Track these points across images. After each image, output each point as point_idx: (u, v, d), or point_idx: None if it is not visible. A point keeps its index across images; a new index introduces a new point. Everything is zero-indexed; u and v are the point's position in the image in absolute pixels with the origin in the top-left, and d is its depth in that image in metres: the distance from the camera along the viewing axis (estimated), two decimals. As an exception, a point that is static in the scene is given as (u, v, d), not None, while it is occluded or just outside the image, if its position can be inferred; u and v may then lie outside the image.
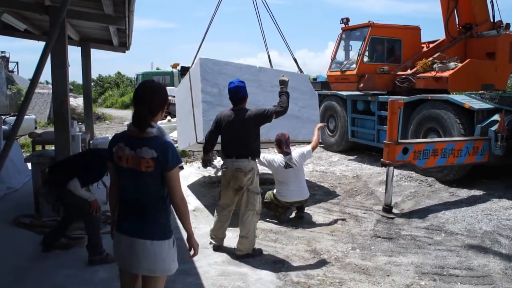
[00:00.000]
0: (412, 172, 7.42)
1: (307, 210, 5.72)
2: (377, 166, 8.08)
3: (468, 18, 8.73)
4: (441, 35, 9.22)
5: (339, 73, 9.61)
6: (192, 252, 2.44)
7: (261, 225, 5.22)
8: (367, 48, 9.06)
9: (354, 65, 9.18)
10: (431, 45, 9.33)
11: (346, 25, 9.53)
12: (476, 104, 6.66)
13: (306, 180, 6.03)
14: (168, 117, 13.88)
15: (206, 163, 4.59)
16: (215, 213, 4.49)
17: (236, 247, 4.30)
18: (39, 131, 10.61)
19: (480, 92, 7.70)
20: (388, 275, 3.89)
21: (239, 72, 5.96)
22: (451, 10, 8.68)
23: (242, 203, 4.28)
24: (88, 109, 9.62)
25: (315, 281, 3.76)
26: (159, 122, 2.55)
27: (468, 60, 8.07)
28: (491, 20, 8.71)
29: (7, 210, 5.58)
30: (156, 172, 2.26)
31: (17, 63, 30.11)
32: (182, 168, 2.42)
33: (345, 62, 9.66)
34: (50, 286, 3.63)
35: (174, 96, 8.09)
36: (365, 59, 9.10)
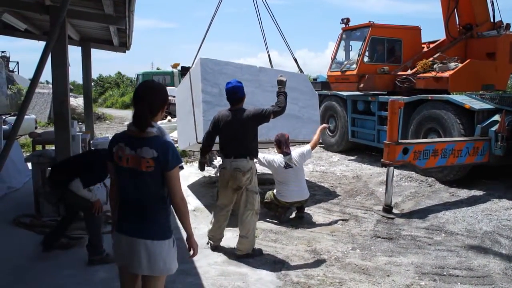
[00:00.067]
0: (412, 172, 7.42)
1: (307, 210, 5.71)
2: (377, 166, 8.08)
3: (469, 19, 8.72)
4: (441, 35, 9.22)
5: (339, 73, 9.61)
6: (191, 252, 2.44)
7: (261, 225, 5.22)
8: (368, 48, 9.06)
9: (354, 65, 9.18)
10: (431, 45, 9.33)
11: (347, 25, 9.53)
12: (477, 104, 6.66)
13: (306, 180, 6.03)
14: (168, 117, 13.88)
15: (203, 165, 4.57)
16: (213, 214, 4.50)
17: (236, 247, 4.30)
18: (39, 131, 10.62)
19: (480, 92, 7.70)
20: (388, 275, 3.89)
21: (240, 72, 5.96)
22: (451, 10, 8.67)
23: (241, 203, 4.28)
24: (88, 109, 9.62)
25: (315, 281, 3.76)
26: (159, 122, 2.55)
27: (469, 60, 8.07)
28: (492, 20, 8.70)
29: (7, 210, 5.58)
30: (156, 172, 2.26)
31: (17, 62, 30.03)
32: (182, 168, 2.43)
33: (346, 62, 9.66)
34: (50, 286, 3.63)
35: (174, 96, 8.09)
36: (366, 59, 9.10)
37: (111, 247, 2.49)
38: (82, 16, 5.74)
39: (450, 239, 4.80)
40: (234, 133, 4.16)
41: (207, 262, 4.13)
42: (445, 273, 3.95)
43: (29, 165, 6.17)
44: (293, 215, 5.58)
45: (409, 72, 8.71)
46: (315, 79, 14.92)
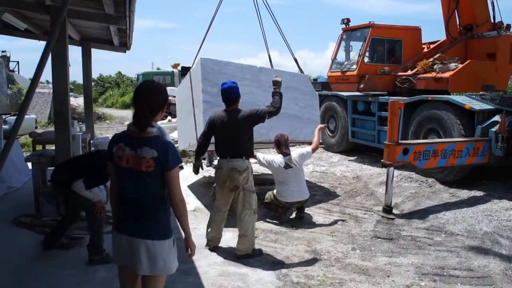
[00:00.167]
0: (412, 172, 7.42)
1: (307, 210, 5.71)
2: (377, 167, 8.08)
3: (469, 19, 8.72)
4: (441, 36, 9.22)
5: (339, 73, 9.60)
6: (189, 252, 2.43)
7: (261, 225, 5.22)
8: (368, 49, 9.06)
9: (354, 66, 9.18)
10: (431, 46, 9.33)
11: (347, 26, 9.52)
12: (477, 105, 6.66)
13: (306, 181, 6.03)
14: (169, 117, 13.89)
15: (198, 168, 4.56)
16: (211, 215, 4.50)
17: (236, 247, 4.30)
18: (39, 130, 10.63)
19: (480, 93, 7.69)
20: (388, 276, 3.89)
21: (240, 72, 5.96)
22: (451, 11, 8.67)
23: (238, 203, 4.30)
24: (89, 109, 9.62)
25: (315, 282, 3.76)
26: (159, 122, 2.55)
27: (469, 61, 8.07)
28: (492, 21, 8.70)
29: (7, 209, 5.58)
30: (156, 172, 2.26)
31: (17, 62, 30.04)
32: (182, 168, 2.43)
33: (346, 63, 9.66)
34: (50, 286, 3.63)
35: (174, 96, 8.09)
36: (366, 59, 9.10)
37: (111, 247, 2.49)
38: (82, 16, 5.75)
39: (450, 240, 4.79)
40: (230, 133, 4.19)
41: (207, 262, 4.13)
42: (445, 273, 3.95)
43: (29, 165, 6.18)
44: (293, 215, 5.58)
45: (409, 72, 8.71)
46: (315, 80, 14.92)
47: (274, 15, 7.50)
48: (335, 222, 5.44)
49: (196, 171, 4.55)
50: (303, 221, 5.42)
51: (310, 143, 5.67)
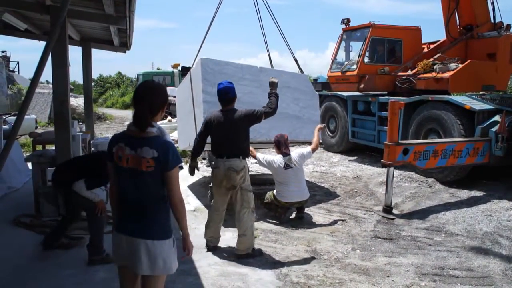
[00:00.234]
0: (413, 173, 7.42)
1: (307, 210, 5.71)
2: (377, 167, 8.08)
3: (469, 19, 8.72)
4: (441, 36, 9.22)
5: (339, 73, 9.60)
6: (186, 252, 2.43)
7: (261, 225, 5.22)
8: (368, 49, 9.06)
9: (354, 66, 9.17)
10: (431, 46, 9.32)
11: (347, 26, 9.52)
12: (477, 105, 6.66)
13: (306, 181, 6.03)
14: (169, 117, 13.90)
15: (193, 169, 4.54)
16: (209, 215, 4.50)
17: (235, 247, 4.31)
18: (39, 130, 10.62)
19: (480, 93, 7.69)
20: (388, 276, 3.89)
21: (240, 72, 5.96)
22: (451, 11, 8.67)
23: (237, 203, 4.31)
24: (89, 109, 9.62)
25: (315, 282, 3.76)
26: (159, 122, 2.55)
27: (469, 61, 8.06)
28: (492, 21, 8.70)
29: (7, 210, 5.58)
30: (156, 172, 2.26)
31: (18, 62, 29.96)
32: (181, 168, 2.43)
33: (346, 63, 9.66)
34: (50, 286, 3.63)
35: (174, 96, 8.09)
36: (366, 59, 9.09)
37: (111, 247, 2.49)
38: (82, 16, 5.75)
39: (450, 240, 4.79)
40: (227, 133, 4.20)
41: (207, 262, 4.13)
42: (445, 273, 3.95)
43: (29, 165, 6.18)
44: (293, 215, 5.58)
45: (409, 72, 8.71)
46: (315, 80, 14.92)
47: (274, 15, 7.51)
48: (335, 222, 5.44)
49: (192, 172, 4.53)
50: (303, 221, 5.42)
51: (310, 143, 5.67)
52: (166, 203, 2.36)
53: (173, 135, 9.91)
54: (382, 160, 5.72)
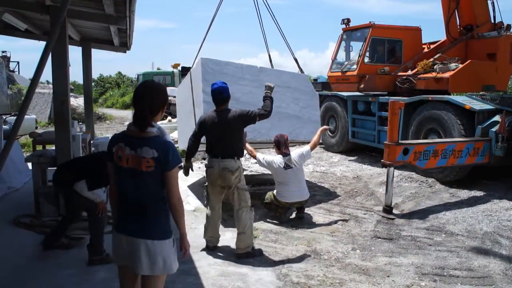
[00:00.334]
0: (413, 173, 7.42)
1: (307, 210, 5.71)
2: (377, 167, 8.07)
3: (469, 19, 8.72)
4: (442, 36, 9.23)
5: (339, 73, 9.61)
6: (183, 252, 2.43)
7: (261, 225, 5.22)
8: (368, 49, 9.06)
9: (354, 66, 9.18)
10: (432, 46, 9.33)
11: (347, 26, 9.52)
12: (477, 105, 6.66)
13: (307, 181, 6.03)
14: (169, 117, 13.90)
15: (188, 170, 4.53)
16: (207, 215, 4.50)
17: (235, 246, 4.31)
18: (39, 131, 10.62)
19: (480, 93, 7.69)
20: (388, 276, 3.89)
21: (240, 72, 5.96)
22: (452, 11, 8.67)
23: (235, 202, 4.32)
24: (89, 109, 9.62)
25: (315, 282, 3.76)
26: (159, 122, 2.55)
27: (469, 61, 8.07)
28: (492, 21, 8.70)
29: (7, 210, 5.58)
30: (156, 171, 2.26)
31: (18, 62, 29.98)
32: (181, 168, 2.43)
33: (346, 63, 9.67)
34: (50, 286, 3.63)
35: (174, 96, 8.09)
36: (366, 59, 9.10)
37: (111, 247, 2.49)
38: (82, 16, 5.75)
39: (450, 240, 4.79)
40: (221, 133, 4.21)
41: (207, 262, 4.13)
42: (445, 273, 3.94)
43: (29, 165, 6.18)
44: (293, 215, 5.58)
45: (409, 72, 8.71)
46: (315, 80, 14.91)
47: (274, 15, 7.52)
48: (335, 222, 5.44)
49: (186, 172, 4.51)
50: (303, 221, 5.42)
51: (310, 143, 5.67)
52: (166, 203, 2.36)
53: (173, 135, 9.92)
54: (382, 160, 5.72)
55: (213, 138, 4.29)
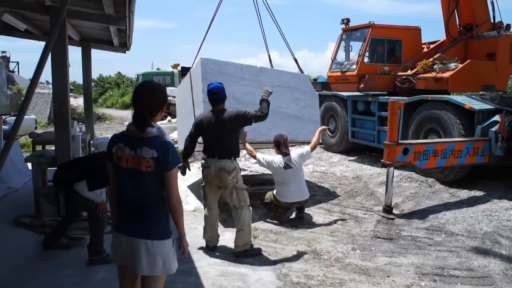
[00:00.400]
0: (413, 172, 7.42)
1: (307, 210, 5.71)
2: (377, 167, 8.07)
3: (469, 19, 8.72)
4: (441, 36, 9.22)
5: (339, 73, 9.60)
6: (181, 251, 2.43)
7: (261, 225, 5.23)
8: (368, 49, 9.05)
9: (354, 66, 9.17)
10: (431, 46, 9.32)
11: (347, 26, 9.52)
12: (477, 104, 6.66)
13: (306, 181, 6.03)
14: (169, 117, 13.90)
15: (185, 170, 4.54)
16: (205, 216, 4.51)
17: (234, 244, 4.32)
18: (39, 131, 10.62)
19: (480, 92, 7.69)
20: (388, 276, 3.89)
21: (240, 72, 5.97)
22: (451, 11, 8.67)
23: (234, 202, 4.32)
24: (89, 109, 9.62)
25: (315, 282, 3.76)
26: (159, 122, 2.55)
27: (469, 61, 8.06)
28: (492, 21, 8.70)
29: (7, 210, 5.58)
30: (156, 172, 2.27)
31: (17, 63, 29.99)
32: (180, 168, 2.43)
33: (346, 63, 9.66)
34: (50, 286, 3.63)
35: (174, 96, 8.09)
36: (366, 59, 9.09)
37: (111, 247, 2.49)
38: (82, 16, 5.75)
39: (450, 240, 4.79)
40: (218, 133, 4.22)
41: (207, 262, 4.13)
42: (445, 273, 3.94)
43: (29, 165, 6.18)
44: (293, 215, 5.58)
45: (409, 72, 8.71)
46: (315, 80, 14.91)
47: (274, 15, 7.52)
48: (335, 222, 5.44)
49: (183, 172, 4.51)
50: (303, 221, 5.42)
51: (310, 143, 5.67)
52: (166, 203, 2.36)
53: (173, 135, 9.91)
54: (382, 160, 5.72)
55: (210, 138, 4.29)
